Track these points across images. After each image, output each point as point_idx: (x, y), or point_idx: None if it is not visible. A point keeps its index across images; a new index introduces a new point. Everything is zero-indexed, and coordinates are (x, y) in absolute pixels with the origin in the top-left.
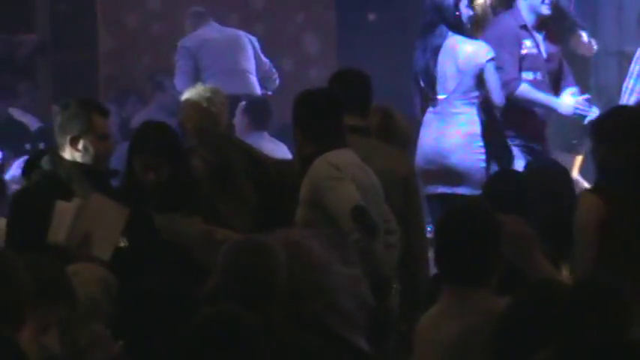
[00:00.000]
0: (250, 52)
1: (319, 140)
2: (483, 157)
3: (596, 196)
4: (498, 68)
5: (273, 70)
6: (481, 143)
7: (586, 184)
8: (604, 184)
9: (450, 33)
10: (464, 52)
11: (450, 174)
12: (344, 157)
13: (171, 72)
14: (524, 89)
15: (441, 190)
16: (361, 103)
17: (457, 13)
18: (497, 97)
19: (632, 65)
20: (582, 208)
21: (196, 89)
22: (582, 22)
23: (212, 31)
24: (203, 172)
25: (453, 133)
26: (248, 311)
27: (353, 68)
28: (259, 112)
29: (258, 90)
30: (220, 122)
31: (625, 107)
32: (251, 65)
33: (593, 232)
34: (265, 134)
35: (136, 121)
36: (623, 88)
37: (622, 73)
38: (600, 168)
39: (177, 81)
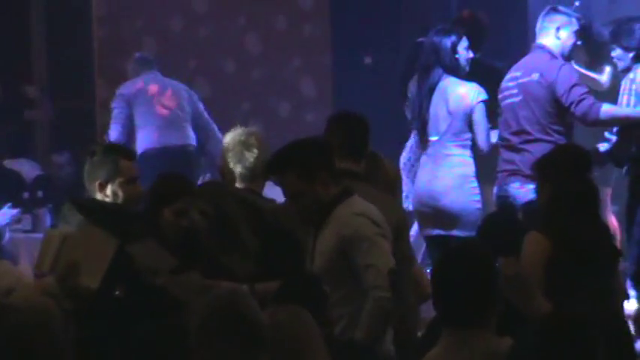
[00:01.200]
0: (186, 105)
1: (339, 182)
2: (477, 198)
3: (542, 234)
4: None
5: (214, 128)
6: (475, 184)
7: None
8: (549, 222)
9: (445, 75)
10: (454, 94)
11: (443, 216)
12: (372, 208)
13: None
14: (608, 109)
15: (436, 232)
16: (360, 148)
17: (455, 55)
18: (483, 141)
19: (620, 97)
20: (528, 247)
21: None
22: None
23: (151, 80)
24: (202, 225)
25: (444, 175)
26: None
27: (353, 112)
28: None
29: (193, 141)
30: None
31: (568, 146)
32: (186, 116)
33: (539, 269)
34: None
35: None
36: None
37: None
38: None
39: (111, 130)
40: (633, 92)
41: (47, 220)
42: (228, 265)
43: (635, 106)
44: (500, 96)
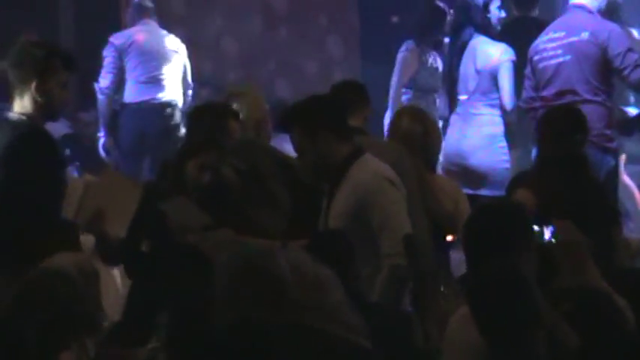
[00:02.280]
0: (175, 60)
1: (349, 141)
2: (506, 157)
3: (530, 192)
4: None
5: (191, 86)
6: (503, 144)
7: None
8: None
9: (476, 34)
10: (482, 53)
11: (470, 175)
12: (386, 168)
13: (192, 76)
14: None
15: (465, 191)
16: (351, 104)
17: (487, 14)
18: (509, 100)
19: None
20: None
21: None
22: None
23: (144, 31)
24: (234, 181)
25: (472, 134)
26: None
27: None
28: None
29: (176, 98)
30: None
31: (562, 107)
32: (173, 74)
33: None
34: (288, 137)
35: None
36: None
37: None
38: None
39: (102, 78)
40: None
41: None
42: (260, 221)
43: None
44: (536, 57)
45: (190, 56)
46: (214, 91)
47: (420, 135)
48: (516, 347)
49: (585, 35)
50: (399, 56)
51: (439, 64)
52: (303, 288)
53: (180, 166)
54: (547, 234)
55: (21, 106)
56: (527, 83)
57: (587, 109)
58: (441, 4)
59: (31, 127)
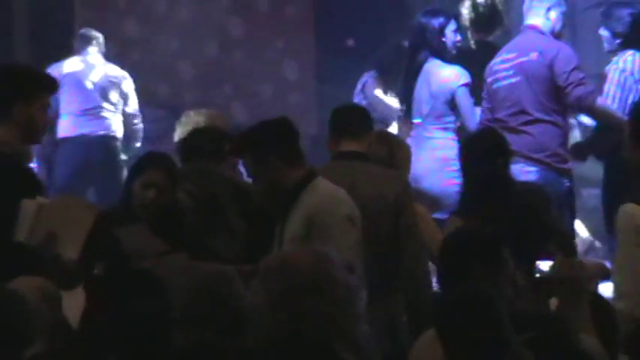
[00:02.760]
0: (115, 91)
1: (301, 166)
2: (458, 181)
3: (460, 218)
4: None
5: (137, 115)
6: (456, 167)
7: None
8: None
9: (431, 57)
10: (436, 76)
11: (423, 198)
12: (339, 191)
13: (147, 99)
14: (603, 102)
15: None
16: (358, 129)
17: (442, 38)
18: (472, 122)
19: (606, 86)
20: (448, 231)
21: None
22: None
23: (81, 62)
24: (188, 206)
25: (425, 158)
26: (223, 337)
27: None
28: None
29: (115, 131)
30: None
31: (485, 131)
32: (112, 105)
33: None
34: None
35: None
36: None
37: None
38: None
39: None
40: (620, 85)
41: None
42: (214, 245)
43: (619, 98)
44: (489, 79)
45: (146, 79)
46: (170, 113)
47: (385, 157)
48: None
49: (534, 55)
50: (358, 86)
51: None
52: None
53: (129, 185)
54: (548, 268)
55: (2, 129)
56: (484, 105)
57: (539, 129)
58: (406, 44)
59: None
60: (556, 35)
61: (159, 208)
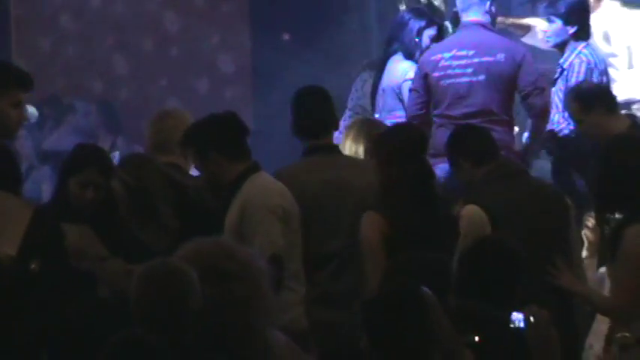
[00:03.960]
0: None
1: (244, 160)
2: None
3: (379, 214)
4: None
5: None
6: None
7: None
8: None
9: (397, 53)
10: (389, 71)
11: None
12: (277, 185)
13: (82, 94)
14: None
15: None
16: (327, 121)
17: (417, 38)
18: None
19: (574, 78)
20: (364, 226)
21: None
22: None
23: None
24: (122, 195)
25: None
26: (161, 335)
27: (315, 88)
28: None
29: None
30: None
31: (403, 126)
32: None
33: (378, 249)
34: None
35: (48, 143)
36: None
37: None
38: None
39: None
40: (588, 77)
41: None
42: (146, 241)
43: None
44: (436, 74)
45: (81, 74)
46: (105, 108)
47: (368, 151)
48: None
49: (501, 57)
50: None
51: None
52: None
53: (63, 183)
54: (518, 320)
55: None
56: (414, 100)
57: (503, 128)
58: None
59: None
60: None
61: (97, 206)
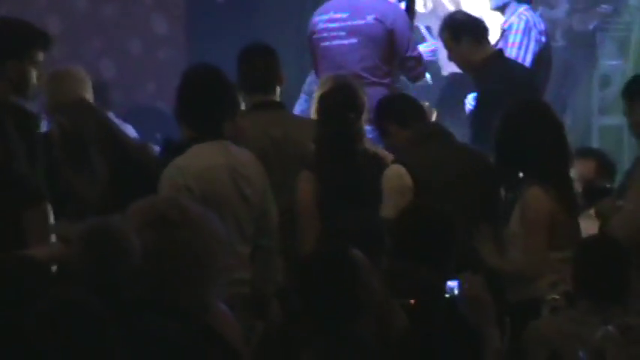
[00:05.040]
0: None
1: (194, 125)
2: None
3: (312, 172)
4: None
5: None
6: None
7: None
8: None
9: None
10: None
11: None
12: (202, 160)
13: None
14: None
15: None
16: (266, 78)
17: None
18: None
19: (512, 36)
20: (299, 185)
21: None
22: None
23: None
24: (57, 139)
25: None
26: (99, 294)
27: (258, 44)
28: (99, 94)
29: None
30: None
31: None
32: None
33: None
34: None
35: None
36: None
37: None
38: None
39: None
40: (526, 34)
41: None
42: (77, 187)
43: (525, 46)
44: (315, 37)
45: None
46: None
47: None
48: (340, 326)
49: (371, 18)
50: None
51: None
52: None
53: None
54: (453, 288)
55: None
56: (313, 63)
57: (373, 92)
58: None
59: None
60: None
61: None
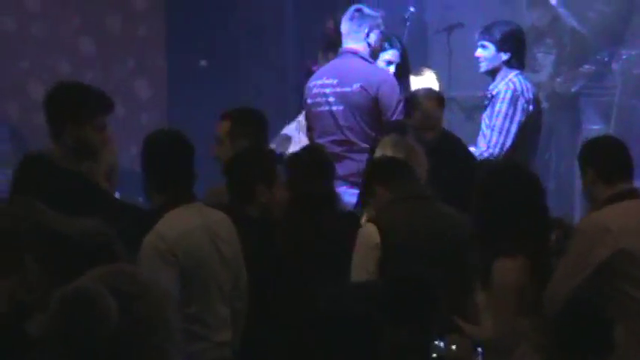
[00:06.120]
0: None
1: (166, 191)
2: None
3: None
4: None
5: None
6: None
7: None
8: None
9: None
10: None
11: None
12: (181, 224)
13: None
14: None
15: None
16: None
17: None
18: None
19: (498, 105)
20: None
21: None
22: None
23: None
24: None
25: None
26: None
27: (249, 109)
28: None
29: None
30: None
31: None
32: None
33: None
34: None
35: None
36: (496, 129)
37: (453, 119)
38: None
39: None
40: (512, 104)
41: None
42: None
43: (510, 118)
44: (309, 100)
45: None
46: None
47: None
48: None
49: (357, 86)
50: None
51: None
52: None
53: None
54: (440, 347)
55: (56, 149)
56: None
57: (363, 157)
58: None
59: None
60: (373, 55)
61: None
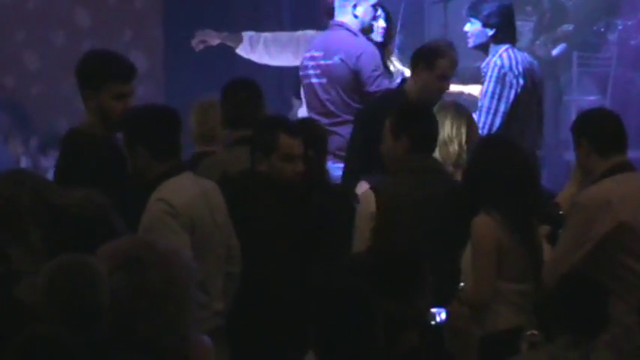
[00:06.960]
0: None
1: (169, 160)
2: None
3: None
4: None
5: None
6: None
7: None
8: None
9: None
10: None
11: None
12: (183, 190)
13: None
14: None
15: None
16: (246, 113)
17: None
18: None
19: (485, 84)
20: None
21: None
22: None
23: None
24: None
25: None
26: (71, 331)
27: (242, 79)
28: None
29: None
30: None
31: None
32: None
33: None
34: None
35: None
36: (484, 110)
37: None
38: None
39: None
40: (499, 80)
41: None
42: (14, 258)
43: (498, 95)
44: (301, 73)
45: None
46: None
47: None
48: None
49: (337, 58)
50: None
51: None
52: None
53: None
54: (442, 316)
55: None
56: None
57: (346, 130)
58: None
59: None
60: (366, 29)
61: None
